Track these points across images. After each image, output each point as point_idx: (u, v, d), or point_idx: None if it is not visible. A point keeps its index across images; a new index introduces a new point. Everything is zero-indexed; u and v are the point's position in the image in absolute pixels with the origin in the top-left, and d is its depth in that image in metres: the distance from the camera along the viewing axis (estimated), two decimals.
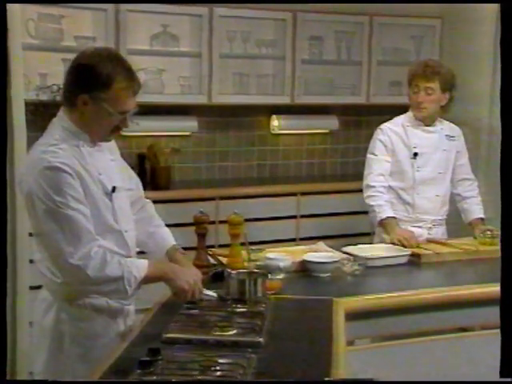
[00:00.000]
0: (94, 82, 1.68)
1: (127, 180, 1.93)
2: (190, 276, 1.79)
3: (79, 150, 1.73)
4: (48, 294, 1.80)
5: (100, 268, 1.66)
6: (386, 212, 2.72)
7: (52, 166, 1.65)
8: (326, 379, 1.41)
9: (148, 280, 1.74)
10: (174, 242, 2.02)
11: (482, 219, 2.87)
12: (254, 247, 2.32)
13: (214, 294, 1.83)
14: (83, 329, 1.78)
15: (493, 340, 2.16)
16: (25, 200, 1.71)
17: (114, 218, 1.78)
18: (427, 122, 2.84)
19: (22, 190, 1.73)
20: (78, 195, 1.68)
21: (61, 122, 1.75)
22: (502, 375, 1.53)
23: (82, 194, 1.69)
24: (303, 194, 4.06)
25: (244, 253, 2.25)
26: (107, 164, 1.82)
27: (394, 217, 2.73)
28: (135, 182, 2.02)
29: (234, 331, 1.62)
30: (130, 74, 1.73)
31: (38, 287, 1.86)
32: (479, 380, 2.09)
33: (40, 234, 1.72)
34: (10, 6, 2.65)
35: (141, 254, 1.96)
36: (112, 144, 1.89)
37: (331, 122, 4.43)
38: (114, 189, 1.79)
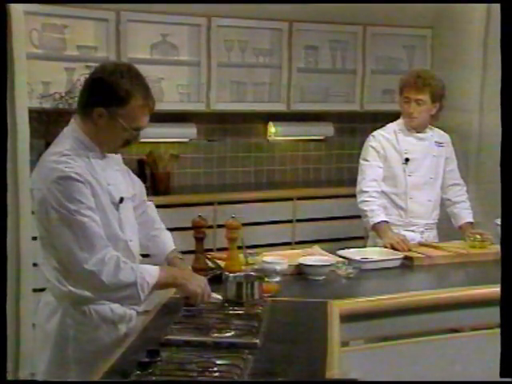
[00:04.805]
0: (112, 98, 1.71)
1: (131, 188, 1.97)
2: (200, 280, 1.83)
3: (89, 162, 1.77)
4: (52, 298, 1.81)
5: (114, 274, 1.67)
6: (378, 216, 2.76)
7: (65, 176, 1.68)
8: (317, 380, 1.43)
9: (159, 286, 1.75)
10: (174, 247, 2.05)
11: (471, 223, 2.91)
12: (251, 251, 2.36)
13: (220, 297, 1.87)
14: (88, 334, 1.80)
15: (483, 341, 2.22)
16: (37, 208, 1.74)
17: (120, 227, 1.81)
18: (418, 129, 2.89)
19: (33, 198, 1.76)
20: (90, 203, 1.71)
21: (73, 132, 1.79)
22: (502, 375, 1.54)
23: (93, 202, 1.72)
24: (299, 198, 4.11)
25: (241, 256, 2.29)
26: (114, 175, 1.86)
27: (386, 221, 2.77)
28: (138, 186, 2.05)
29: (232, 333, 1.63)
30: (147, 91, 1.75)
31: (42, 289, 1.89)
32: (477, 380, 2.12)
33: (52, 241, 1.73)
34: (14, 16, 2.71)
35: (144, 257, 2.00)
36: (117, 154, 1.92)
37: (326, 129, 4.49)
38: (121, 199, 1.83)
